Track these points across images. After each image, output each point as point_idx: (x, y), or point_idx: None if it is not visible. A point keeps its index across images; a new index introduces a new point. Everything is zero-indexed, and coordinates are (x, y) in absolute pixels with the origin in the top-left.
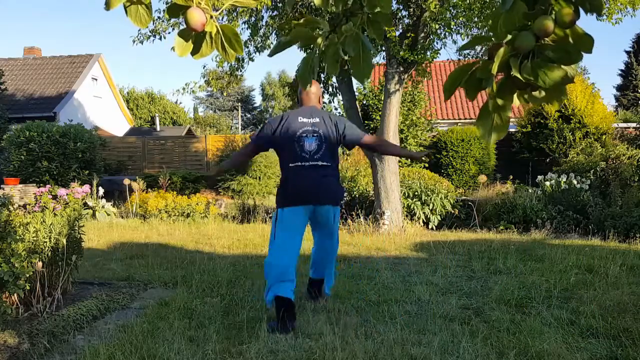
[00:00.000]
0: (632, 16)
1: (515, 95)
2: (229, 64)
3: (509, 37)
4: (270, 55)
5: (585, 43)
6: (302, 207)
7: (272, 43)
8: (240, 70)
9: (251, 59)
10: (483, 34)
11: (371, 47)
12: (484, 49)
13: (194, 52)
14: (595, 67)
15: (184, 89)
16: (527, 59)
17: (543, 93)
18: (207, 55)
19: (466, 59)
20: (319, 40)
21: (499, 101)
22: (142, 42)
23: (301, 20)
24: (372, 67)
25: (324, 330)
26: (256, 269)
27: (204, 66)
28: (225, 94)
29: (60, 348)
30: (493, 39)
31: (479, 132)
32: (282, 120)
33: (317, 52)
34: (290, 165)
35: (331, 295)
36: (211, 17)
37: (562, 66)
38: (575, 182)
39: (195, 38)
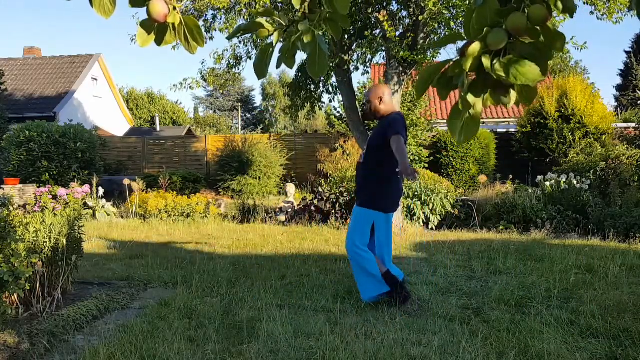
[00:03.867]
0: (632, 16)
1: (487, 95)
2: (227, 62)
3: (482, 34)
4: (228, 38)
5: (557, 41)
6: None
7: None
8: (238, 68)
9: (249, 57)
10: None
11: (326, 46)
12: None
13: (158, 41)
14: (595, 67)
15: (181, 84)
16: (499, 56)
17: (515, 92)
18: (171, 43)
19: None
20: (275, 34)
21: (470, 99)
22: None
23: (260, 11)
24: (328, 65)
25: (324, 330)
26: (256, 269)
27: (203, 62)
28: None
29: (60, 348)
30: (465, 36)
31: (449, 130)
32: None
33: (274, 45)
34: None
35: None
36: (174, 8)
37: (534, 63)
38: (575, 182)
39: (157, 29)
